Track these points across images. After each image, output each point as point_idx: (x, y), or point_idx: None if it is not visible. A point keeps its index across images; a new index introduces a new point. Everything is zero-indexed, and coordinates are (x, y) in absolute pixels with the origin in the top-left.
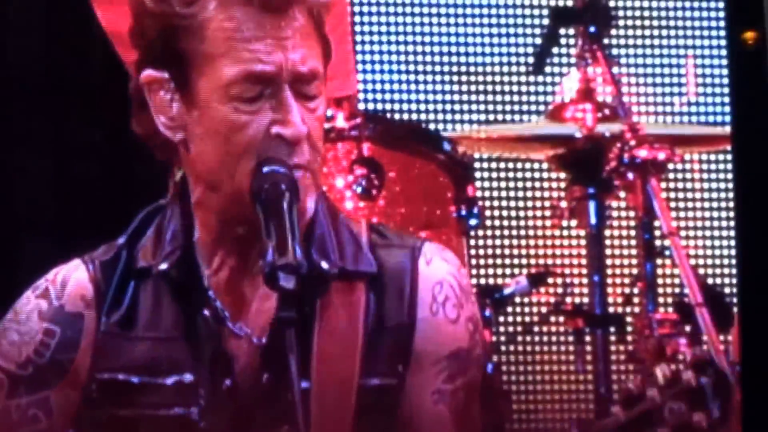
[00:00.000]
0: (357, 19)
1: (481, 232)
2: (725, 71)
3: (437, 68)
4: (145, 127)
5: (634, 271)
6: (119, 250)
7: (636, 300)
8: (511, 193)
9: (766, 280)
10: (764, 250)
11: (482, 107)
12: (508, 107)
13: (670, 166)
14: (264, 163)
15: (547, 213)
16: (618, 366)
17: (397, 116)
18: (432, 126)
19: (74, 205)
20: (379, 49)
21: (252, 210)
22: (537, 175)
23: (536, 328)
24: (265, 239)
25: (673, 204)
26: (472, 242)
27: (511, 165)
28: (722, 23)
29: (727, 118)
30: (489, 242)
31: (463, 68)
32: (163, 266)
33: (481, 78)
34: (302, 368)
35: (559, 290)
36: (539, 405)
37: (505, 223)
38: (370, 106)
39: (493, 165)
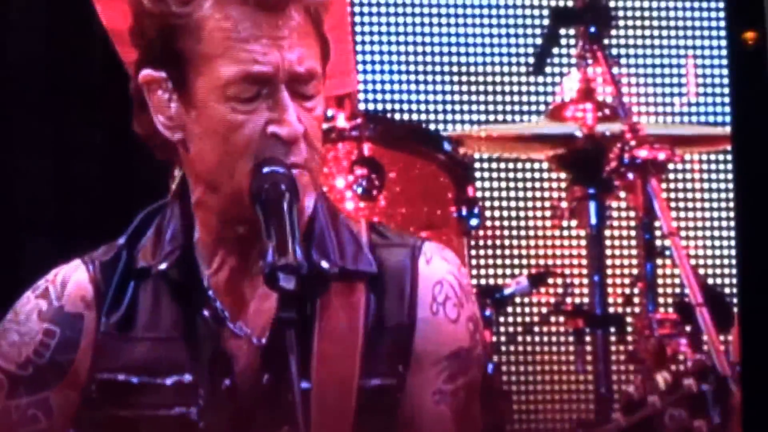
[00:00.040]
0: (357, 19)
1: (481, 233)
2: (725, 71)
3: (438, 68)
4: (145, 127)
5: (635, 271)
6: (119, 250)
7: (636, 300)
8: (512, 194)
9: (766, 280)
10: (764, 250)
11: (482, 107)
12: (508, 107)
13: (671, 166)
14: (264, 163)
15: (548, 213)
16: (618, 366)
17: (397, 116)
18: (432, 126)
19: (74, 205)
20: (379, 49)
21: (251, 210)
22: (537, 175)
23: (536, 329)
24: (265, 240)
25: (673, 204)
26: (473, 242)
27: (511, 165)
28: (722, 23)
29: (728, 119)
30: (489, 242)
31: (464, 68)
32: (163, 266)
33: (481, 78)
34: (302, 368)
35: (560, 290)
36: (539, 405)
37: (506, 223)
38: (371, 106)
39: (494, 165)
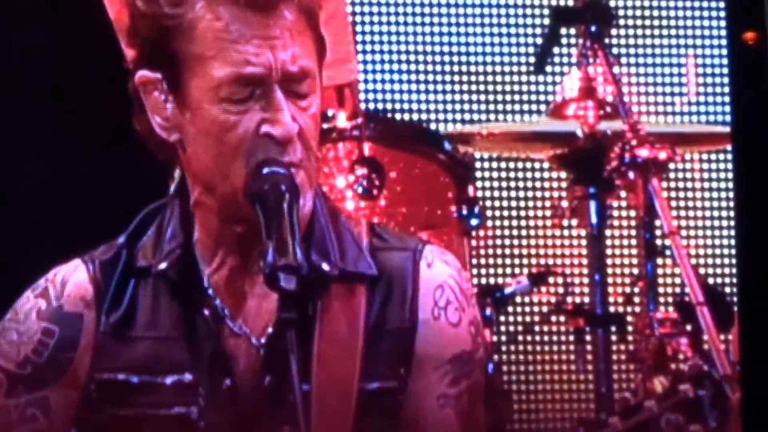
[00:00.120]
0: (358, 18)
1: (482, 232)
2: (726, 70)
3: (438, 68)
4: (144, 126)
5: (635, 270)
6: (119, 249)
7: (637, 299)
8: (512, 193)
9: (766, 279)
10: (764, 249)
11: (483, 106)
12: (509, 106)
13: (671, 165)
14: (263, 164)
15: (548, 212)
16: (619, 365)
17: (398, 116)
18: (433, 125)
19: (74, 205)
20: (380, 48)
21: (249, 210)
22: (538, 174)
23: (537, 328)
24: (265, 240)
25: (674, 203)
26: (473, 242)
27: (512, 165)
28: (723, 22)
29: (728, 118)
30: (490, 242)
31: (464, 68)
32: (163, 265)
33: (482, 77)
34: (302, 370)
35: (560, 290)
36: (540, 404)
37: (506, 222)
38: (371, 105)
39: (494, 165)
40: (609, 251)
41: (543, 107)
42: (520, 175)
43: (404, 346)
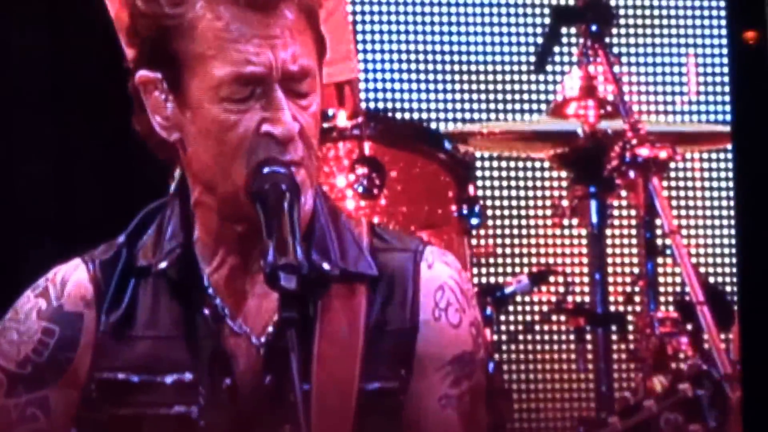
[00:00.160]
0: (359, 17)
1: (482, 231)
2: (726, 69)
3: (439, 67)
4: (144, 126)
5: (636, 269)
6: (119, 249)
7: (637, 299)
8: (513, 192)
9: (766, 278)
10: (765, 248)
11: (484, 105)
12: (509, 105)
13: (672, 164)
14: (264, 163)
15: (549, 212)
16: (619, 365)
17: (398, 115)
18: (434, 124)
19: (75, 204)
20: (380, 47)
21: (249, 209)
22: (538, 174)
23: (537, 327)
24: (265, 239)
25: (674, 202)
26: (474, 241)
27: (512, 164)
28: (723, 22)
29: (728, 117)
30: (490, 241)
31: (465, 67)
32: (163, 265)
33: (482, 76)
34: (303, 370)
35: (561, 289)
36: (540, 404)
37: (507, 222)
38: (372, 104)
39: (495, 164)
40: (609, 250)
41: (543, 106)
42: (521, 174)
43: (405, 346)
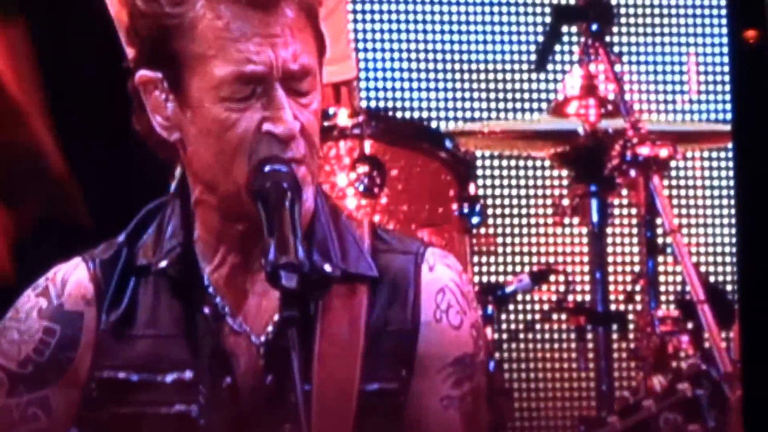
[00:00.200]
0: (359, 16)
1: (483, 230)
2: (727, 68)
3: (440, 66)
4: (144, 126)
5: (636, 268)
6: (119, 248)
7: (638, 297)
8: (514, 191)
9: (767, 277)
10: (765, 247)
11: (485, 104)
12: (510, 104)
13: (673, 163)
14: (265, 161)
15: (550, 210)
16: (620, 363)
17: (399, 114)
18: (435, 123)
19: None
20: (381, 46)
21: (251, 207)
22: (539, 172)
23: (538, 326)
24: (266, 237)
25: (675, 201)
26: (475, 240)
27: (513, 163)
28: (724, 21)
29: (729, 116)
30: (492, 240)
31: (466, 65)
32: (163, 264)
33: (483, 75)
34: (303, 369)
35: (561, 288)
36: (541, 403)
37: (508, 220)
38: (373, 103)
39: (496, 163)
40: (610, 249)
41: (544, 105)
42: (522, 173)
43: (406, 347)
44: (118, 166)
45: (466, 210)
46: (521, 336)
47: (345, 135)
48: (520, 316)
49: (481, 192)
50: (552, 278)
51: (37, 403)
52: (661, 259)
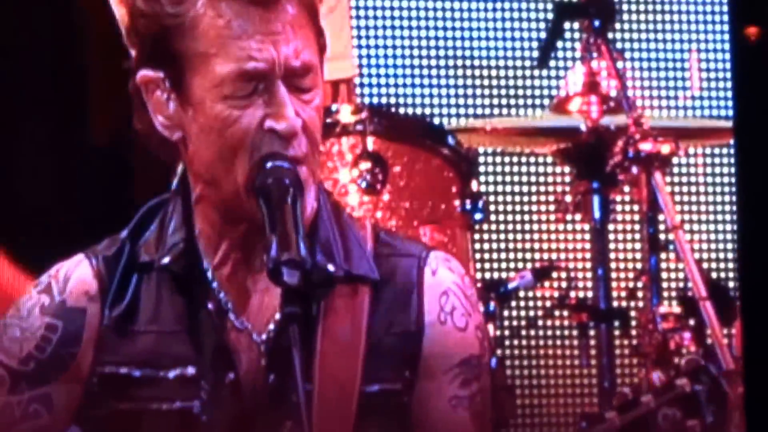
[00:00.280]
0: (362, 12)
1: (485, 227)
2: (729, 65)
3: (442, 62)
4: (145, 125)
5: (638, 265)
6: (122, 245)
7: (640, 294)
8: (516, 188)
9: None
10: (767, 244)
11: (487, 101)
12: (512, 101)
13: (675, 160)
14: (267, 158)
15: (552, 207)
16: (622, 360)
17: (402, 110)
18: (437, 120)
19: (76, 201)
20: (384, 43)
21: (253, 205)
22: (541, 169)
23: (540, 323)
24: (268, 234)
25: (677, 198)
26: (477, 237)
27: (515, 159)
28: (726, 17)
29: (731, 113)
30: (494, 236)
31: (468, 62)
32: (166, 260)
33: (485, 72)
34: (305, 368)
35: (564, 284)
36: (543, 399)
37: (510, 217)
38: (375, 99)
39: (498, 159)
40: (612, 246)
41: (546, 102)
42: (524, 169)
43: (410, 349)
44: (119, 163)
45: (468, 207)
46: (523, 333)
47: (347, 131)
48: (522, 313)
49: (483, 189)
50: (554, 275)
51: (39, 400)
52: (663, 255)
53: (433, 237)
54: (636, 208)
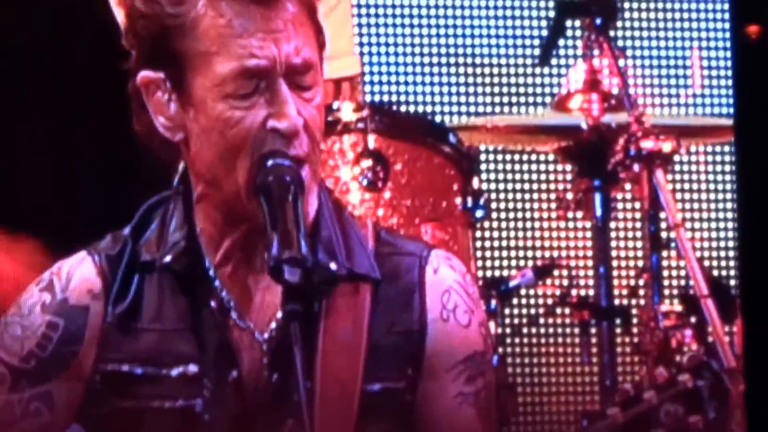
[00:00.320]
0: (363, 11)
1: (487, 224)
2: (730, 62)
3: (444, 60)
4: (146, 126)
5: (640, 263)
6: (124, 243)
7: (641, 292)
8: (517, 186)
9: None
10: (767, 242)
11: (488, 99)
12: (514, 99)
13: (676, 157)
14: (268, 156)
15: (553, 205)
16: (623, 358)
17: (403, 108)
18: (438, 117)
19: (77, 200)
20: (385, 41)
21: (254, 205)
22: (543, 167)
23: (542, 320)
24: (269, 232)
25: (678, 196)
26: (478, 234)
27: (517, 157)
28: (727, 15)
29: (732, 110)
30: (495, 234)
31: (469, 60)
32: (167, 259)
33: (487, 69)
34: (306, 366)
35: (565, 282)
36: (545, 397)
37: (511, 215)
38: (376, 97)
39: (499, 157)
40: (614, 244)
41: (548, 100)
42: (525, 167)
43: (413, 347)
44: (121, 160)
45: (469, 204)
46: (525, 330)
47: (349, 129)
48: (524, 311)
49: (484, 186)
50: (555, 273)
51: (40, 398)
52: (664, 253)
53: (435, 235)
54: (637, 206)
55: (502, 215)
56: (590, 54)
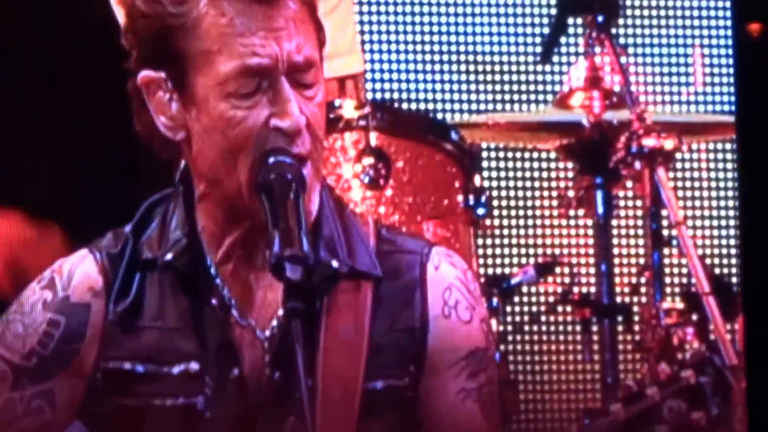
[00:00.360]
0: (365, 8)
1: (488, 222)
2: (732, 60)
3: (445, 57)
4: (147, 126)
5: (642, 260)
6: (125, 241)
7: (643, 289)
8: (519, 183)
9: None
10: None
11: (490, 96)
12: (515, 96)
13: (678, 155)
14: (269, 153)
15: (555, 203)
16: (625, 356)
17: (405, 105)
18: (440, 115)
19: (78, 198)
20: (387, 38)
21: (256, 203)
22: (544, 165)
23: (543, 318)
24: (271, 230)
25: (680, 193)
26: (480, 232)
27: (518, 155)
28: (728, 13)
29: (734, 108)
30: (496, 232)
31: (471, 57)
32: (169, 256)
33: (488, 67)
34: (308, 364)
35: (567, 280)
36: (546, 394)
37: (513, 212)
38: (378, 95)
39: (501, 155)
40: (615, 241)
41: (550, 97)
42: (527, 165)
43: (415, 344)
44: (121, 158)
45: (471, 202)
46: (526, 328)
47: (350, 127)
48: (525, 308)
49: (486, 184)
50: (557, 270)
51: (42, 396)
52: (666, 251)
53: (436, 232)
54: (639, 203)
55: (504, 213)
56: (592, 51)
